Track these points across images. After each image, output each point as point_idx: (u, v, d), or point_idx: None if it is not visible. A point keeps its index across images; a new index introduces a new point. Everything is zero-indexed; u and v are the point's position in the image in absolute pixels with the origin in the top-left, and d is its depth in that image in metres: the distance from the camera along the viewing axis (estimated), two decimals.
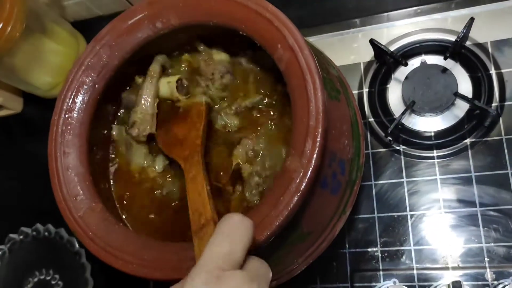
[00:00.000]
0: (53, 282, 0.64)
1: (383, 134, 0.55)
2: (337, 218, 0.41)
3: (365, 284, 0.51)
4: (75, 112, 0.43)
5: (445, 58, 0.53)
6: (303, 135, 0.34)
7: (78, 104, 0.43)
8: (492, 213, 0.49)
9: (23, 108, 0.76)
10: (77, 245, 0.63)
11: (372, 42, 0.53)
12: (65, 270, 0.64)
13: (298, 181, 0.33)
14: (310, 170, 0.33)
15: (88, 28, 0.74)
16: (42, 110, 0.75)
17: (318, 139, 0.33)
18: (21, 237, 0.67)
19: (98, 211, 0.40)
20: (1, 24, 0.56)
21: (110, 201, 0.44)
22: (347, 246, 0.53)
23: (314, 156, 0.33)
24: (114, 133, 0.47)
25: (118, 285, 0.61)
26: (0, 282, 0.66)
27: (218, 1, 0.40)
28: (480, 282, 0.47)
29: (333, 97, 0.40)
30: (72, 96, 0.43)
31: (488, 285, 0.47)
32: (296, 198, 0.33)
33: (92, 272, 0.62)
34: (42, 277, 0.64)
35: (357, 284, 0.51)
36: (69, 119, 0.42)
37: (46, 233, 0.65)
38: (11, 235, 0.67)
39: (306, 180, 0.33)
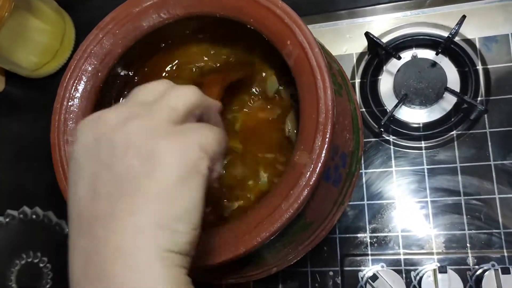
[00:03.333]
0: (41, 265, 0.63)
1: (374, 124, 0.56)
2: (336, 208, 0.43)
3: (355, 268, 0.53)
4: (77, 100, 0.42)
5: (437, 54, 0.54)
6: (312, 131, 0.35)
7: (80, 92, 0.42)
8: (475, 202, 0.52)
9: (5, 87, 0.74)
10: (66, 228, 0.63)
11: (367, 34, 0.54)
12: (54, 252, 0.64)
13: (308, 175, 0.34)
14: (320, 164, 0.34)
15: (74, 7, 0.72)
16: (24, 89, 0.74)
17: (328, 136, 0.35)
18: (7, 219, 0.66)
19: None
20: None
21: None
22: (338, 232, 0.55)
23: (324, 151, 0.35)
24: None
25: None
26: None
27: None
28: (462, 267, 0.50)
29: (336, 92, 0.41)
30: (75, 84, 0.42)
31: (469, 269, 0.50)
32: (306, 191, 0.34)
33: None
34: (29, 259, 0.64)
35: (346, 268, 0.53)
36: (72, 107, 0.42)
37: (34, 216, 0.65)
38: None
39: (315, 174, 0.34)
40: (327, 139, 0.35)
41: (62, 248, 0.62)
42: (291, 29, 0.37)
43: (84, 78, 0.43)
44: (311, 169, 0.35)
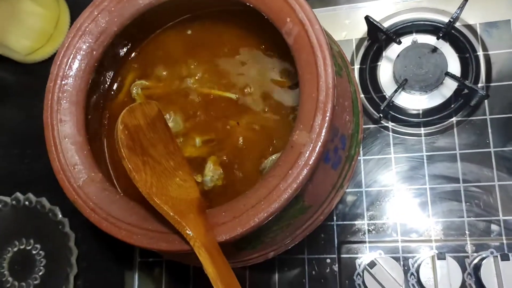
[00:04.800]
0: (34, 252, 0.62)
1: (373, 111, 0.56)
2: (335, 192, 0.42)
3: (352, 256, 0.53)
4: (71, 78, 0.41)
5: (438, 39, 0.54)
6: (312, 110, 0.35)
7: (74, 71, 0.42)
8: (474, 189, 0.51)
9: None
10: (60, 215, 0.62)
11: (367, 18, 0.54)
12: (47, 239, 0.62)
13: (307, 155, 0.34)
14: (320, 144, 0.34)
15: None
16: (17, 75, 0.72)
17: (328, 115, 0.34)
18: (0, 206, 0.65)
19: (97, 180, 0.39)
20: None
21: (107, 172, 0.44)
22: (335, 219, 0.54)
23: (324, 130, 0.34)
24: None
25: (102, 253, 0.61)
26: None
27: None
28: (460, 254, 0.50)
29: (336, 73, 0.41)
30: (69, 62, 0.41)
31: (468, 256, 0.50)
32: (305, 171, 0.33)
33: (76, 241, 0.61)
34: (22, 246, 0.63)
35: (344, 256, 0.53)
36: (65, 86, 0.41)
37: (27, 202, 0.64)
38: None
39: (315, 154, 0.34)
40: (327, 118, 0.34)
41: (55, 234, 0.61)
42: (291, 5, 0.36)
43: (78, 56, 0.42)
44: (310, 149, 0.34)
